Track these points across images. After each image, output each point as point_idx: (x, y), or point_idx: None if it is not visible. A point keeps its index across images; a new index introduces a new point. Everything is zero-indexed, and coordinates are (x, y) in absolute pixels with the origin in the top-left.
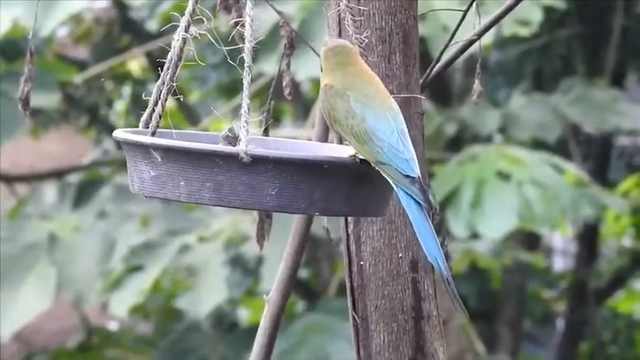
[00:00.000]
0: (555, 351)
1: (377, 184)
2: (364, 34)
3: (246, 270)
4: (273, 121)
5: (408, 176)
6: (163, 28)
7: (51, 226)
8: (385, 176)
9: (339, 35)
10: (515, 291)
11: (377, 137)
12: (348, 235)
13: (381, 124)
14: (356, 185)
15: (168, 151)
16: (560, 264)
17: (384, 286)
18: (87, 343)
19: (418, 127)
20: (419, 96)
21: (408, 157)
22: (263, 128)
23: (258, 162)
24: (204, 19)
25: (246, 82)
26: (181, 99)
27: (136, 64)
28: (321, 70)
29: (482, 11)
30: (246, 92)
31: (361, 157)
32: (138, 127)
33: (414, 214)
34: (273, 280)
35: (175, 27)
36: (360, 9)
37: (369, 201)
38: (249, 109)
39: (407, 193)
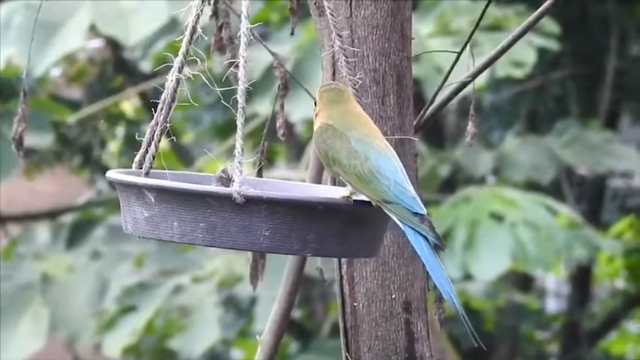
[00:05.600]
0: None
1: (370, 224)
2: (358, 76)
3: (239, 310)
4: (266, 162)
5: (416, 214)
6: (157, 69)
7: (44, 266)
8: (391, 215)
9: (333, 76)
10: (509, 332)
11: (382, 176)
12: (341, 276)
13: (384, 163)
14: (350, 226)
15: (161, 192)
16: (553, 305)
17: (377, 327)
18: None
19: (412, 169)
20: (412, 138)
21: (414, 194)
22: (257, 169)
23: (252, 203)
24: (198, 59)
25: (239, 122)
26: (174, 140)
27: (129, 104)
28: (315, 110)
29: (476, 53)
30: (239, 133)
31: (356, 197)
32: (131, 167)
33: (424, 252)
34: (266, 321)
35: (169, 67)
36: (354, 50)
37: (362, 242)
38: (242, 150)
39: (415, 230)
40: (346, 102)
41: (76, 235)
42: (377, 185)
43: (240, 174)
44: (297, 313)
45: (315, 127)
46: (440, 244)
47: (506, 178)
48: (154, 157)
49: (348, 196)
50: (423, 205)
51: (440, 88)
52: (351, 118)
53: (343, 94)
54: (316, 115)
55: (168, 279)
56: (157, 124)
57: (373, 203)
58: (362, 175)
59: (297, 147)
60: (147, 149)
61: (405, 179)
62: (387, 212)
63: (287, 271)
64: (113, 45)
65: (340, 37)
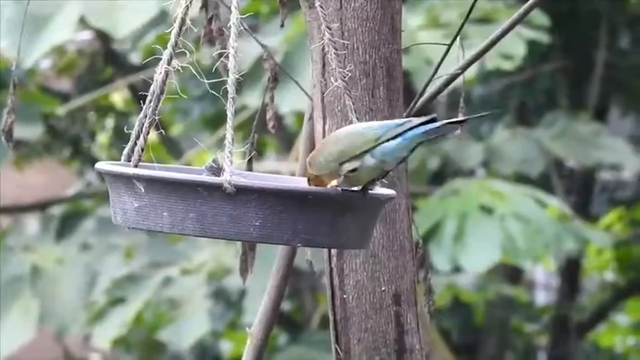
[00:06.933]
0: None
1: (360, 215)
2: (348, 68)
3: (228, 302)
4: (256, 154)
5: (400, 124)
6: (146, 60)
7: (34, 258)
8: (390, 145)
9: (323, 68)
10: (498, 325)
11: (365, 128)
12: (331, 268)
13: (361, 124)
14: (340, 216)
15: (151, 182)
16: (542, 298)
17: (366, 319)
18: None
19: None
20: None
21: (394, 120)
22: (247, 161)
23: (242, 192)
24: (187, 51)
25: (229, 113)
26: (163, 132)
27: (119, 96)
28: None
29: (466, 45)
30: (229, 123)
31: (344, 187)
32: (120, 159)
33: (429, 129)
34: (256, 313)
35: (158, 59)
36: (343, 42)
37: (352, 232)
38: (233, 139)
39: (409, 130)
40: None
41: (66, 226)
42: (365, 136)
43: (230, 164)
44: (286, 305)
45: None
46: (433, 119)
47: (496, 171)
48: (142, 150)
49: (335, 186)
50: (404, 120)
51: (430, 81)
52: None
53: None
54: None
55: (157, 271)
56: (146, 116)
57: (373, 161)
58: (350, 142)
59: (286, 139)
60: (135, 142)
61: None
62: (385, 149)
63: (277, 263)
64: (103, 37)
65: (330, 29)
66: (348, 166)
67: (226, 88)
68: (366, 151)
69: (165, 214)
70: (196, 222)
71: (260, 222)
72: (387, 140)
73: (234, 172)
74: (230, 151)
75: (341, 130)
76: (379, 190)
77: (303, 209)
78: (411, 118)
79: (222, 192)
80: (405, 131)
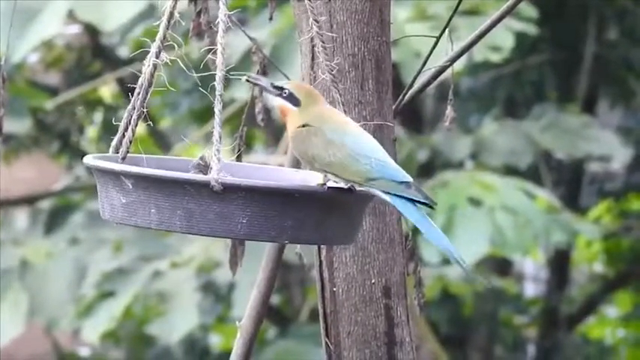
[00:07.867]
0: None
1: (347, 212)
2: (336, 60)
3: (218, 296)
4: (245, 147)
5: (402, 182)
6: (134, 54)
7: (23, 252)
8: (378, 192)
9: (312, 61)
10: (487, 317)
11: (362, 156)
12: (321, 261)
13: (361, 145)
14: (326, 213)
15: (139, 179)
16: (531, 290)
17: (356, 312)
18: None
19: (391, 153)
20: (390, 124)
21: (397, 166)
22: (236, 154)
23: (230, 190)
24: (176, 45)
25: (217, 110)
26: (151, 125)
27: (107, 90)
28: (286, 107)
29: (455, 37)
30: (217, 121)
31: (331, 184)
32: (108, 152)
33: (415, 217)
34: (245, 307)
35: (147, 53)
36: (332, 35)
37: (339, 229)
38: (220, 137)
39: (404, 198)
40: (318, 103)
41: (55, 220)
42: (359, 166)
43: (218, 162)
44: (275, 299)
45: (290, 129)
46: (430, 202)
47: (484, 163)
48: (130, 142)
49: (322, 184)
50: (407, 174)
51: (419, 73)
52: (325, 114)
53: (317, 96)
54: (286, 113)
55: (146, 265)
56: (134, 108)
57: (358, 187)
58: (342, 161)
59: (275, 132)
60: (123, 133)
61: (385, 155)
62: (373, 191)
63: (266, 256)
64: (91, 31)
65: (317, 22)
66: (332, 177)
67: (214, 84)
68: (353, 180)
69: (153, 210)
70: (184, 219)
71: (247, 219)
72: (380, 185)
73: (221, 169)
74: (218, 149)
75: (337, 131)
76: None
77: (290, 207)
78: (414, 187)
79: (210, 190)
80: (403, 197)
